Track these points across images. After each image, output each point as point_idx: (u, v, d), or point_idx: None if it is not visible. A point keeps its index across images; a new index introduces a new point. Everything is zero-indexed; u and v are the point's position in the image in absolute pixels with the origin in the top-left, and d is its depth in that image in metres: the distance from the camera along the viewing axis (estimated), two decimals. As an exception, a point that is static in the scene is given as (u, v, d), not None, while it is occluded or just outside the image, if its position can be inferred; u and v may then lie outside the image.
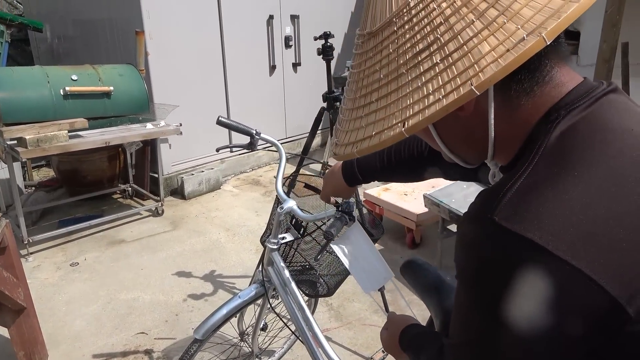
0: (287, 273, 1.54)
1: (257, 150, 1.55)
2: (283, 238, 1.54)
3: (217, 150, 1.60)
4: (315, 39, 2.26)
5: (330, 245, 1.37)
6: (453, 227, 2.92)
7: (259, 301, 1.80)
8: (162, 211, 3.86)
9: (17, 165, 3.99)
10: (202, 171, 4.33)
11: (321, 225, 1.53)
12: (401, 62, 0.54)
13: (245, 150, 1.72)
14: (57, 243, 3.41)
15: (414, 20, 0.53)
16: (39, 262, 3.17)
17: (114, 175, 4.19)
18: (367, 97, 0.59)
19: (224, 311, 1.58)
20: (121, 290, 2.85)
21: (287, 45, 4.96)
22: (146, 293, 2.82)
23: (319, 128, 2.32)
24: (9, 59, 5.14)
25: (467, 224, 0.57)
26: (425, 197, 2.90)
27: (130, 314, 2.63)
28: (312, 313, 2.08)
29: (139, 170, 4.17)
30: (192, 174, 4.26)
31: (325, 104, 2.18)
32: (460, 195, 2.79)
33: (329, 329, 2.49)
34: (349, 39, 5.63)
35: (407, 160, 1.07)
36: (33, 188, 4.31)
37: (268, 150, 1.51)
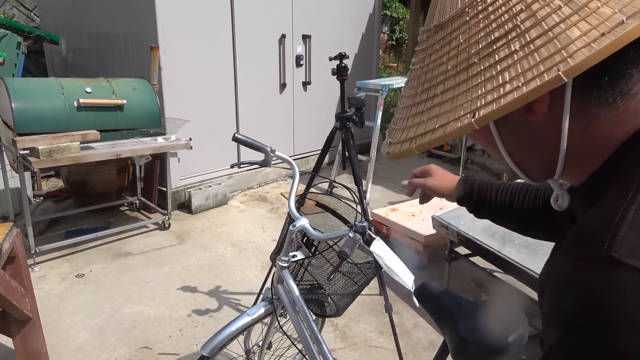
0: (297, 291, 1.53)
1: (271, 167, 1.56)
2: (294, 256, 1.53)
3: (232, 166, 1.62)
4: (330, 59, 2.29)
5: (373, 254, 1.36)
6: (461, 250, 2.90)
7: (266, 319, 1.79)
8: (169, 225, 3.86)
9: (26, 175, 4.03)
10: (210, 186, 4.34)
11: (333, 245, 1.52)
12: (473, 51, 0.51)
13: (254, 167, 1.73)
14: (63, 254, 3.41)
15: (489, 9, 0.50)
16: (45, 273, 3.17)
17: (122, 187, 4.21)
18: (431, 90, 0.56)
19: (232, 328, 1.57)
20: (126, 304, 2.83)
21: (298, 64, 5.01)
22: (151, 307, 2.80)
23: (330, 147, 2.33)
24: (23, 70, 5.22)
25: (575, 265, 0.49)
26: (433, 218, 2.89)
27: (135, 327, 2.61)
28: (320, 332, 2.07)
29: (147, 183, 4.19)
30: (200, 189, 4.27)
31: (338, 123, 2.19)
32: (469, 217, 2.76)
33: (334, 349, 2.46)
34: (359, 60, 5.69)
35: (527, 210, 0.96)
36: (41, 198, 4.33)
37: (277, 166, 1.52)
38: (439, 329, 2.58)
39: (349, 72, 2.30)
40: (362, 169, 4.62)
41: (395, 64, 10.70)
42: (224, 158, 4.34)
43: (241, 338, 1.88)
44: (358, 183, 2.18)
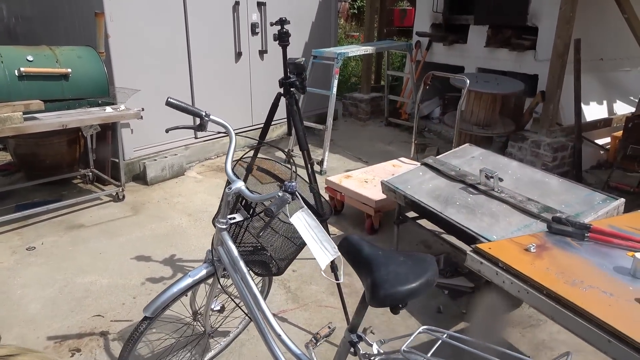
0: (235, 252, 1.59)
1: (207, 132, 1.59)
2: (233, 218, 1.58)
3: (167, 131, 1.63)
4: (272, 24, 2.29)
5: (290, 220, 1.43)
6: (410, 214, 3.02)
7: (210, 281, 1.84)
8: (123, 196, 3.83)
9: (-29, 148, 3.88)
10: (166, 157, 4.30)
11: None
12: None
13: (210, 137, 1.75)
14: (13, 227, 3.34)
15: None
16: (-6, 247, 3.11)
17: (74, 159, 4.12)
18: None
19: (173, 290, 1.62)
20: (78, 274, 2.83)
21: (254, 33, 4.94)
22: (104, 277, 2.81)
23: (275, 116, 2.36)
24: (-37, 38, 4.95)
25: None
26: (382, 183, 2.98)
27: (87, 297, 2.63)
28: (267, 293, 2.15)
29: (100, 155, 4.11)
30: (155, 160, 4.23)
31: (282, 89, 2.22)
32: (416, 182, 2.88)
33: (286, 310, 2.55)
34: (317, 27, 5.65)
35: None
36: (-11, 172, 4.20)
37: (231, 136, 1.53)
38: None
39: (290, 37, 2.30)
40: (319, 138, 4.68)
41: (357, 33, 10.65)
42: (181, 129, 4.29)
43: (187, 301, 1.94)
44: (303, 148, 2.22)
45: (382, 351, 1.22)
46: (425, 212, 2.66)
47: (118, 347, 2.24)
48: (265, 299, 2.15)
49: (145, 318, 1.62)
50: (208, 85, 4.64)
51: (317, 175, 2.72)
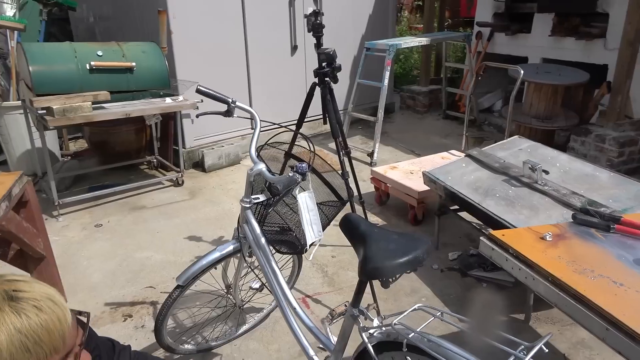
0: (258, 229, 1.70)
1: (234, 117, 1.70)
2: (257, 198, 1.69)
3: (197, 116, 1.76)
4: (305, 16, 2.37)
5: (297, 198, 1.52)
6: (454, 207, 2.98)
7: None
8: (182, 182, 4.10)
9: (53, 135, 4.34)
10: (222, 146, 4.54)
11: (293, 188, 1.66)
12: None
13: (266, 128, 1.87)
14: (85, 207, 3.71)
15: None
16: (68, 223, 3.48)
17: (140, 147, 4.47)
18: None
19: (202, 262, 1.77)
20: (137, 250, 3.10)
21: (310, 26, 5.04)
22: (158, 253, 3.06)
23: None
24: (52, 36, 5.50)
25: None
26: (424, 174, 2.97)
27: (142, 270, 2.88)
28: (298, 274, 2.25)
29: (164, 143, 4.42)
30: (213, 149, 4.48)
31: (317, 79, 2.29)
32: (458, 173, 2.85)
33: (320, 293, 2.64)
34: (374, 19, 5.65)
35: None
36: (69, 157, 4.66)
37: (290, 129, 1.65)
38: (421, 277, 2.73)
39: (324, 28, 2.37)
40: (373, 130, 4.70)
41: (422, 25, 10.44)
42: (237, 120, 4.50)
43: (226, 276, 2.09)
44: (335, 136, 2.29)
45: (381, 325, 1.27)
46: (463, 203, 2.63)
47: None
48: (296, 278, 2.26)
49: (177, 286, 1.78)
50: (264, 78, 4.81)
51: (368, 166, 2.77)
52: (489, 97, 5.94)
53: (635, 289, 1.22)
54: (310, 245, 1.54)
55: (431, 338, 1.14)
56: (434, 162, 3.74)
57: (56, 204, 3.44)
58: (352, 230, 1.22)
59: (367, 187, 3.89)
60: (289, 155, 1.83)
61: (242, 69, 4.66)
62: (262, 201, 1.69)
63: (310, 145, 1.69)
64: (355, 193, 2.95)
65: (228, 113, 1.70)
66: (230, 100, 1.69)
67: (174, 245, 3.15)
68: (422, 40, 4.99)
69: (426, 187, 3.12)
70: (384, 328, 1.21)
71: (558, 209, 2.32)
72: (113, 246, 3.16)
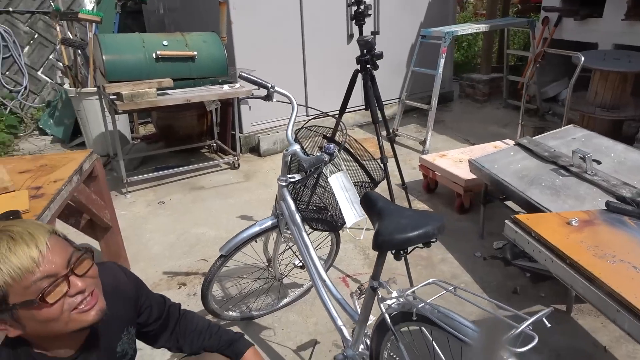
0: (293, 206, 1.81)
1: (273, 101, 1.82)
2: (292, 177, 1.81)
3: (239, 100, 1.90)
4: (348, 5, 2.43)
5: (328, 179, 1.62)
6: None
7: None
8: (239, 165, 4.33)
9: (125, 120, 4.72)
10: (277, 132, 4.71)
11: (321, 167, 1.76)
12: None
13: (316, 114, 1.98)
14: (150, 185, 4.03)
15: None
16: (135, 199, 3.80)
17: (202, 132, 4.75)
18: None
19: (243, 234, 1.92)
20: (193, 226, 3.35)
21: (366, 14, 5.06)
22: (212, 230, 3.28)
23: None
24: (127, 28, 5.93)
25: None
26: (470, 162, 2.96)
27: (197, 244, 3.11)
28: (336, 252, 2.36)
29: (223, 128, 4.67)
30: (268, 134, 4.67)
31: (359, 66, 2.36)
32: (505, 161, 2.81)
33: (360, 273, 2.73)
34: (433, 7, 5.57)
35: None
36: (138, 140, 5.04)
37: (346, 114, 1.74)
38: (462, 264, 2.74)
39: (366, 17, 2.42)
40: (426, 119, 4.68)
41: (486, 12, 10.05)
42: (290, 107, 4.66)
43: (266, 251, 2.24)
44: (375, 121, 2.35)
45: (397, 297, 1.35)
46: (507, 192, 2.60)
47: (217, 286, 2.65)
48: (335, 256, 2.37)
49: (221, 256, 1.95)
50: (319, 66, 4.91)
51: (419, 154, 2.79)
52: (554, 86, 5.68)
53: (654, 275, 1.21)
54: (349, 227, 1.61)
55: (440, 309, 1.21)
56: (485, 150, 3.67)
57: (125, 182, 3.77)
58: (371, 206, 1.30)
59: (417, 175, 3.91)
60: (330, 139, 1.92)
61: (298, 58, 4.79)
62: (297, 180, 1.80)
63: (344, 128, 1.77)
64: (397, 176, 3.00)
65: (268, 97, 1.83)
66: (270, 86, 1.81)
67: (227, 223, 3.36)
68: (481, 27, 4.86)
69: (474, 176, 3.10)
70: (400, 300, 1.28)
71: (606, 199, 2.24)
72: (173, 222, 3.43)
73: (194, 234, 3.25)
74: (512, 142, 3.85)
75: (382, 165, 2.01)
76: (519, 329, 0.98)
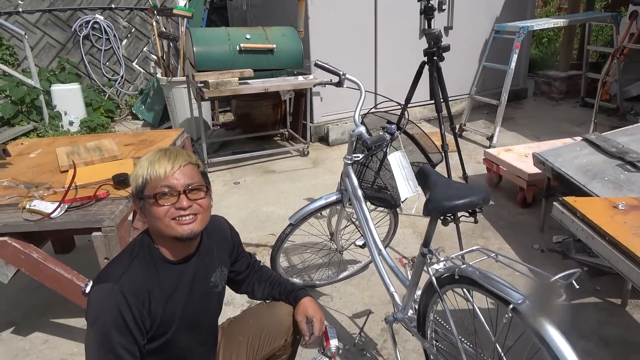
0: (356, 182, 2.02)
1: (343, 87, 2.03)
2: (357, 157, 2.01)
3: (314, 85, 2.12)
4: (418, 0, 2.57)
5: (388, 157, 1.81)
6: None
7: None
8: (308, 152, 4.59)
9: (207, 107, 5.15)
10: (346, 123, 4.92)
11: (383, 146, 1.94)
12: None
13: (382, 108, 2.18)
14: (228, 167, 4.40)
15: None
16: (214, 179, 4.19)
17: (276, 120, 5.07)
18: None
19: (310, 206, 2.16)
20: (264, 205, 3.65)
21: (440, 9, 5.13)
22: (281, 209, 3.57)
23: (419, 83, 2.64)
24: (212, 23, 6.41)
25: None
26: (534, 155, 2.99)
27: (267, 221, 3.40)
28: (394, 231, 2.53)
29: (295, 118, 4.96)
30: (337, 125, 4.89)
31: (426, 58, 2.50)
32: (569, 156, 2.83)
33: (416, 255, 2.87)
34: (510, 3, 5.50)
35: None
36: (218, 127, 5.47)
37: (413, 108, 1.92)
38: (519, 255, 2.80)
39: (435, 11, 2.55)
40: (494, 114, 4.67)
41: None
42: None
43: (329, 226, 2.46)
44: (438, 111, 2.48)
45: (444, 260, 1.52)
46: (568, 185, 2.63)
47: (284, 256, 2.92)
48: (392, 236, 2.55)
49: (290, 224, 2.20)
50: (391, 59, 5.05)
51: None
52: (638, 85, 5.41)
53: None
54: (404, 201, 1.78)
55: (481, 271, 1.36)
56: (552, 146, 3.65)
57: (206, 162, 4.16)
58: (424, 178, 1.46)
59: (481, 169, 3.96)
60: (393, 123, 2.09)
61: (370, 51, 4.97)
62: (361, 159, 2.00)
63: (407, 114, 1.94)
64: (459, 168, 3.11)
65: (339, 84, 2.04)
66: (341, 73, 2.02)
67: (294, 204, 3.63)
68: (559, 22, 4.75)
69: (538, 170, 3.13)
70: (446, 264, 1.45)
71: (671, 196, 2.23)
72: (246, 200, 3.76)
73: (265, 211, 3.55)
74: (579, 138, 3.79)
75: (442, 152, 2.14)
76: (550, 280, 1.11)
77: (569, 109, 5.66)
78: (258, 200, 3.75)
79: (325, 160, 4.50)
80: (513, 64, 4.46)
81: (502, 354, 1.36)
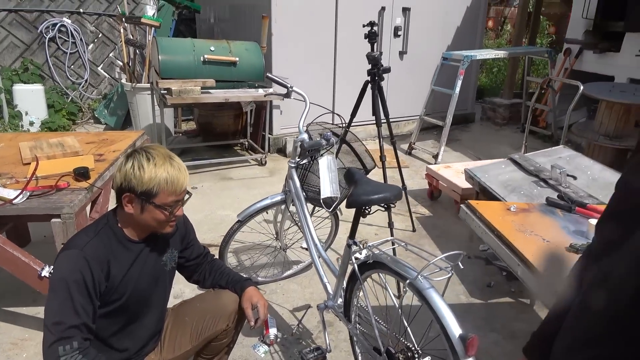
0: (298, 184, 2.26)
1: (291, 98, 2.28)
2: (301, 160, 2.25)
3: (265, 96, 2.37)
4: (364, 26, 2.87)
5: (319, 160, 2.06)
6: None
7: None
8: (265, 162, 4.82)
9: (170, 115, 5.30)
10: (304, 136, 5.18)
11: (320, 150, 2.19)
12: None
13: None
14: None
15: None
16: (172, 183, 4.33)
17: (237, 130, 5.28)
18: None
19: (257, 205, 2.38)
20: (219, 209, 3.84)
21: (396, 35, 5.52)
22: (236, 213, 3.74)
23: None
24: (180, 33, 6.58)
25: None
26: (465, 171, 3.33)
27: (221, 224, 3.59)
28: (335, 233, 2.78)
29: (255, 129, 5.19)
30: (295, 137, 5.14)
31: (369, 77, 2.80)
32: (495, 172, 3.17)
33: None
34: (462, 31, 5.95)
35: None
36: (180, 134, 5.63)
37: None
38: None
39: (377, 37, 2.86)
40: (438, 135, 5.03)
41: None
42: (319, 113, 5.13)
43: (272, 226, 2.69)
44: (378, 125, 2.77)
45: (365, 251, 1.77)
46: (491, 198, 2.95)
47: (233, 255, 3.11)
48: (334, 237, 2.79)
49: (237, 221, 2.41)
50: (348, 80, 5.36)
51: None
52: (574, 114, 5.93)
53: (555, 244, 1.57)
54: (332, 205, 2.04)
55: (391, 256, 1.61)
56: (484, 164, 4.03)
57: (166, 166, 4.31)
58: (350, 177, 1.72)
59: (425, 184, 4.29)
60: (333, 132, 2.36)
61: (329, 70, 5.27)
62: (302, 162, 2.25)
63: (343, 122, 2.21)
64: (398, 179, 3.40)
65: (287, 95, 2.29)
66: (289, 86, 2.27)
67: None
68: (500, 53, 5.22)
69: (469, 185, 3.47)
70: (364, 251, 1.70)
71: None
72: (202, 204, 3.93)
73: (220, 215, 3.74)
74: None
75: (380, 161, 2.41)
76: (432, 262, 1.38)
77: (510, 134, 6.14)
78: (214, 204, 3.93)
79: (282, 170, 4.73)
80: (457, 89, 4.86)
81: (407, 325, 1.61)
